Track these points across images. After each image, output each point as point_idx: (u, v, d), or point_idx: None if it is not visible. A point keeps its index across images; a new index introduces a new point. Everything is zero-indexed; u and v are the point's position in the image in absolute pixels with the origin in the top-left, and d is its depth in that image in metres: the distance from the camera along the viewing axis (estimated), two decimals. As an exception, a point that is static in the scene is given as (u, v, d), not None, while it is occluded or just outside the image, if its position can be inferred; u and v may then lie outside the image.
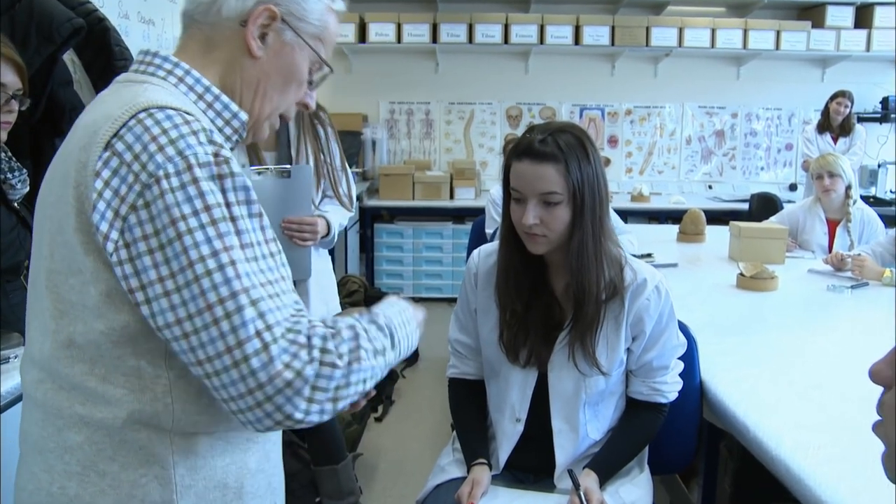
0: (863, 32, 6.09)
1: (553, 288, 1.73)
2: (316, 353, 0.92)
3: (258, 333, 0.89)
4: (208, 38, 1.08)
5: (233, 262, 0.90)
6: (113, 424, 0.98)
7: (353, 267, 5.57)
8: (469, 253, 4.65)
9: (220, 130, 1.08)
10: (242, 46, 1.07)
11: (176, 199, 0.90)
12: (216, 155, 0.94)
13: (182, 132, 0.93)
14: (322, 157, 2.30)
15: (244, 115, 1.10)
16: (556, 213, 1.58)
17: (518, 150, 1.61)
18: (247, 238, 0.93)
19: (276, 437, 1.19)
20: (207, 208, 0.90)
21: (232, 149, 1.13)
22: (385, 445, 3.51)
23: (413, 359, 4.43)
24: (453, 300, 5.89)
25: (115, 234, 0.91)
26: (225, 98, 1.08)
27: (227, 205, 0.93)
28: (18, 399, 1.56)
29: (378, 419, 3.77)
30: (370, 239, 5.92)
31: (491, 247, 1.82)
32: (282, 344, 0.91)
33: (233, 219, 0.92)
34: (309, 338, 0.93)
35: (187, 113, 0.96)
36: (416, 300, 5.77)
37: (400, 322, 1.08)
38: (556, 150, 1.56)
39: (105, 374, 0.98)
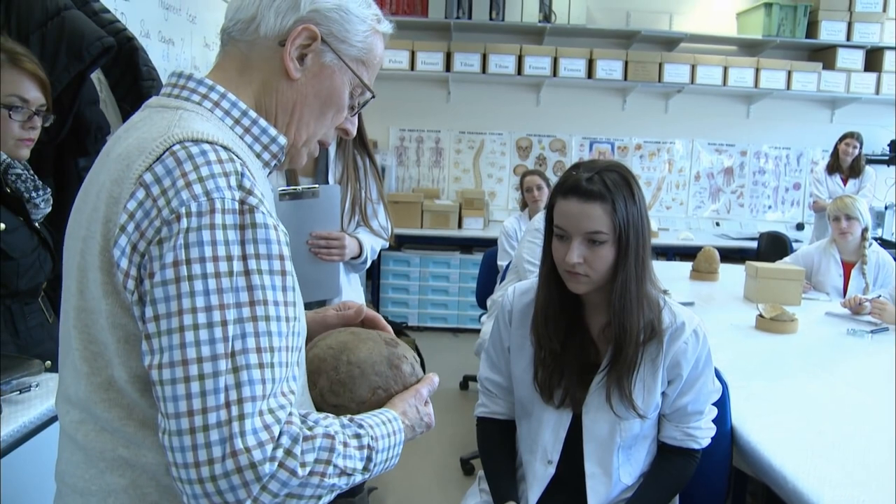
0: (872, 76, 6.13)
1: (589, 328, 1.69)
2: (280, 453, 0.85)
3: (227, 405, 0.83)
4: (245, 57, 1.04)
5: (224, 323, 0.84)
6: (158, 470, 0.93)
7: (359, 294, 5.51)
8: (479, 284, 4.67)
9: (259, 156, 1.04)
10: (280, 67, 1.02)
11: (186, 241, 0.84)
12: (242, 202, 0.88)
13: (214, 171, 0.88)
14: (358, 186, 2.27)
15: (283, 140, 1.05)
16: (601, 253, 1.55)
17: (564, 188, 1.58)
18: (259, 295, 0.87)
19: None
20: (216, 259, 0.85)
21: (270, 173, 1.09)
22: (392, 478, 3.43)
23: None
24: (458, 330, 5.92)
25: (133, 271, 0.87)
26: (263, 122, 1.03)
27: (244, 257, 0.87)
28: (38, 430, 1.52)
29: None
30: (376, 266, 5.86)
31: (526, 284, 1.78)
32: (252, 423, 0.83)
33: (247, 273, 0.86)
34: (280, 433, 0.86)
35: (224, 148, 0.91)
36: (421, 330, 5.79)
37: (385, 446, 0.99)
38: (603, 188, 1.53)
39: (143, 418, 0.92)
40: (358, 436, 0.95)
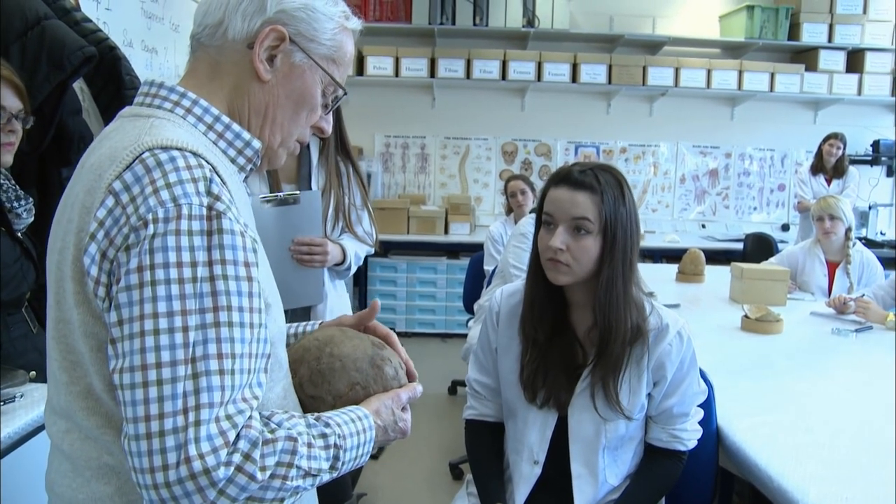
0: (854, 76, 6.18)
1: (575, 328, 1.70)
2: (236, 458, 0.84)
3: (185, 411, 0.82)
4: (215, 62, 1.04)
5: (185, 328, 0.84)
6: None
7: (347, 300, 5.51)
8: (466, 289, 4.68)
9: (234, 161, 1.04)
10: (250, 70, 1.02)
11: (151, 247, 0.84)
12: (210, 208, 0.88)
13: (182, 177, 0.88)
14: (342, 192, 2.26)
15: (257, 143, 1.06)
16: (584, 243, 1.56)
17: (557, 178, 1.62)
18: (223, 301, 0.86)
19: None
20: (180, 265, 0.85)
21: (246, 177, 1.09)
22: (381, 484, 3.44)
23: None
24: (446, 335, 5.92)
25: (104, 278, 0.87)
26: (236, 127, 1.04)
27: (210, 263, 0.87)
28: (22, 441, 1.51)
29: (374, 457, 3.70)
30: (363, 272, 5.86)
31: (514, 286, 1.79)
32: (206, 430, 0.82)
33: (212, 279, 0.86)
34: (238, 437, 0.85)
35: (194, 153, 0.91)
36: (409, 335, 5.78)
37: (354, 444, 0.99)
38: (594, 181, 1.56)
39: (121, 427, 0.91)
40: (324, 435, 0.95)
